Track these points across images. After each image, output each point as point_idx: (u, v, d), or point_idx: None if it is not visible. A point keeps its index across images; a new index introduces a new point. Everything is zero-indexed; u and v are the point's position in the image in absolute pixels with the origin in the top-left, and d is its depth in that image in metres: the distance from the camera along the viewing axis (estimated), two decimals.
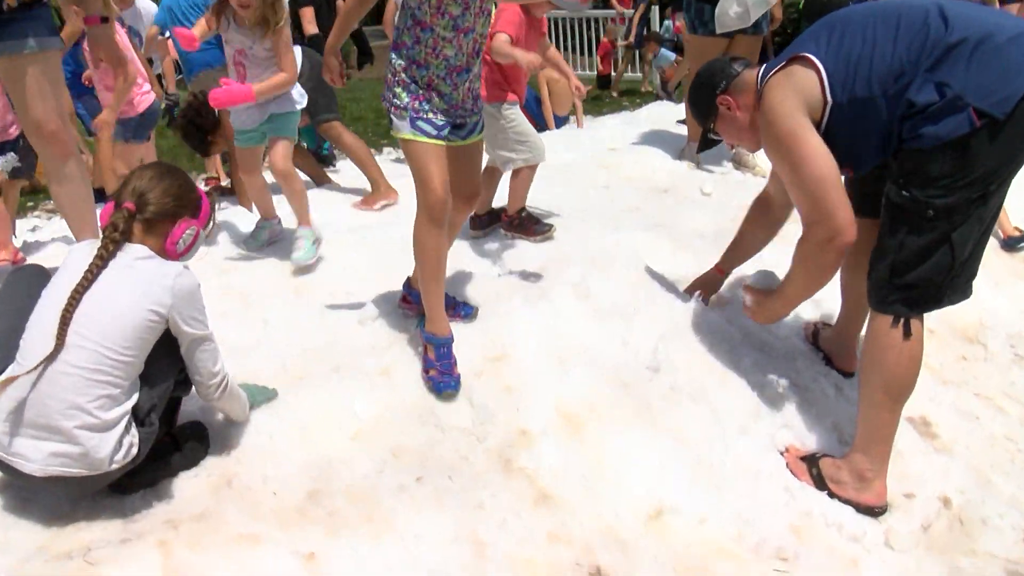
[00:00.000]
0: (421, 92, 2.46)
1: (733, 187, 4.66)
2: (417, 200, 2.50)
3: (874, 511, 2.33)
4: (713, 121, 2.64)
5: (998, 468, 2.62)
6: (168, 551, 1.88)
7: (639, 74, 12.49)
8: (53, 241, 4.26)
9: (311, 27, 5.86)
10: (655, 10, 12.83)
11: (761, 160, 4.82)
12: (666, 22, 12.20)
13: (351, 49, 7.54)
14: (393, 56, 2.50)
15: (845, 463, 2.39)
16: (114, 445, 1.95)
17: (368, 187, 4.64)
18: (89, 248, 2.08)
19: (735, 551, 2.16)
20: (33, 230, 5.32)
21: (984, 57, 2.05)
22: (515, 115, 3.60)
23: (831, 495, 2.36)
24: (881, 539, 2.26)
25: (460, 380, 2.57)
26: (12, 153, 4.18)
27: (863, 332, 2.61)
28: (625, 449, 2.38)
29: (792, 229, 3.39)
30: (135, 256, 2.06)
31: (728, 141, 2.73)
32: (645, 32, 12.05)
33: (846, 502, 2.34)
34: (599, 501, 2.23)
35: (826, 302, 3.13)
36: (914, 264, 2.20)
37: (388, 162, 5.47)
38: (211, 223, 2.29)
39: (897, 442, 2.37)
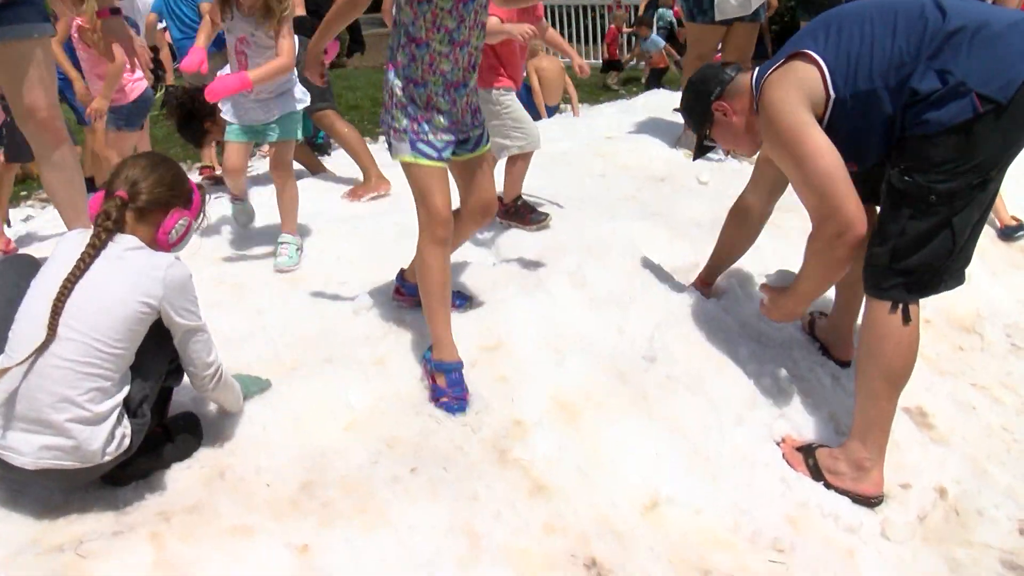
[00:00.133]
0: (420, 113, 2.42)
1: (730, 175, 4.64)
2: (419, 221, 2.46)
3: (871, 501, 2.32)
4: (709, 128, 2.63)
5: (994, 458, 2.61)
6: (160, 543, 1.87)
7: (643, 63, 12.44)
8: (46, 230, 4.24)
9: (299, 8, 5.83)
10: None
11: (761, 148, 4.80)
12: (660, 10, 12.12)
13: (343, 37, 7.49)
14: (390, 76, 2.45)
15: (842, 453, 2.38)
16: (106, 437, 1.94)
17: (359, 176, 4.62)
18: (80, 237, 2.06)
19: (731, 541, 2.16)
20: (26, 219, 5.30)
21: (983, 44, 2.06)
22: (510, 101, 3.57)
23: (827, 486, 2.36)
24: (877, 530, 2.25)
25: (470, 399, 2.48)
26: None
27: (859, 321, 2.61)
28: (621, 439, 2.37)
29: (793, 223, 3.40)
30: (126, 247, 2.04)
31: (725, 147, 2.73)
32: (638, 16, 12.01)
33: (843, 493, 2.33)
34: (595, 491, 2.22)
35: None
36: (915, 249, 2.20)
37: (382, 151, 5.43)
38: (202, 215, 2.28)
39: (893, 433, 2.37)
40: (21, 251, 3.69)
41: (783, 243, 3.40)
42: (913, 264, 2.21)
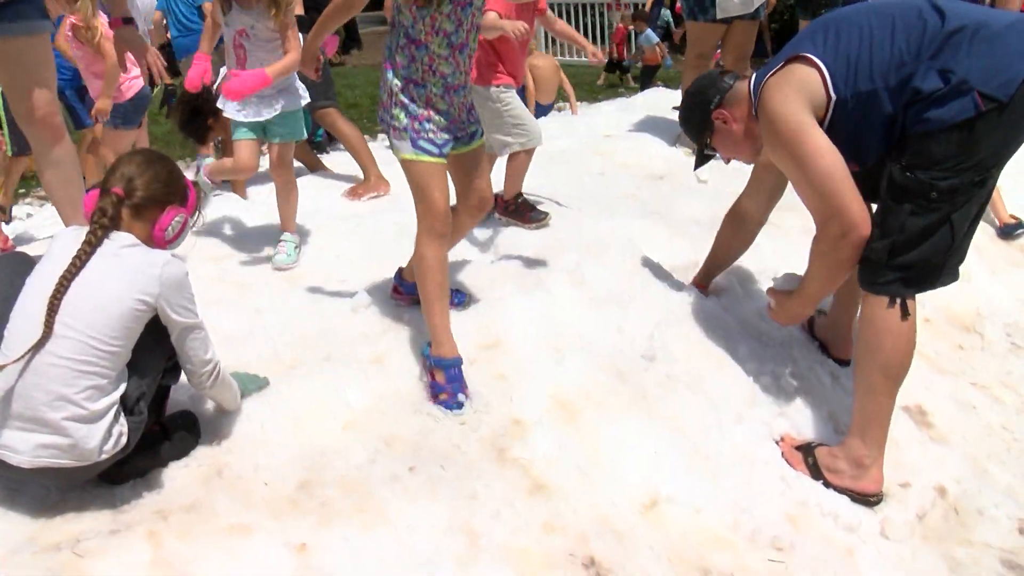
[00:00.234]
0: (420, 111, 2.42)
1: (729, 174, 4.59)
2: (418, 217, 2.47)
3: (871, 499, 2.32)
4: (709, 137, 2.64)
5: (994, 457, 2.61)
6: (158, 542, 1.87)
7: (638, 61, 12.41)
8: (44, 228, 4.23)
9: (298, 7, 5.82)
10: None
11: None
12: (661, 9, 12.11)
13: (339, 33, 7.48)
14: (389, 75, 2.45)
15: (841, 451, 2.38)
16: (103, 435, 1.93)
17: (359, 174, 4.61)
18: (75, 234, 2.05)
19: (731, 540, 2.15)
20: (25, 217, 5.29)
21: (983, 43, 2.09)
22: (510, 98, 3.56)
23: (827, 484, 2.36)
24: (877, 529, 2.25)
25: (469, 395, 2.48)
26: None
27: (857, 319, 2.60)
28: (620, 438, 2.37)
29: (793, 223, 3.40)
30: (122, 244, 2.03)
31: (725, 155, 2.73)
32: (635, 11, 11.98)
33: (842, 491, 2.33)
34: (594, 491, 2.22)
35: None
36: (915, 244, 2.20)
37: (382, 149, 5.43)
38: (198, 213, 2.27)
39: (893, 432, 2.36)
40: (19, 249, 3.68)
41: (783, 242, 3.40)
42: (912, 259, 2.22)
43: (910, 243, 2.21)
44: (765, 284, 3.02)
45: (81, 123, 5.46)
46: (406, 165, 2.46)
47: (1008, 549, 2.24)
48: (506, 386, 2.51)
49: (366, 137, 5.04)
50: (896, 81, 2.16)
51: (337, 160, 5.34)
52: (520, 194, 3.76)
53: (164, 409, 2.27)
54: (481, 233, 3.71)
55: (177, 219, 2.15)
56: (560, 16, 13.19)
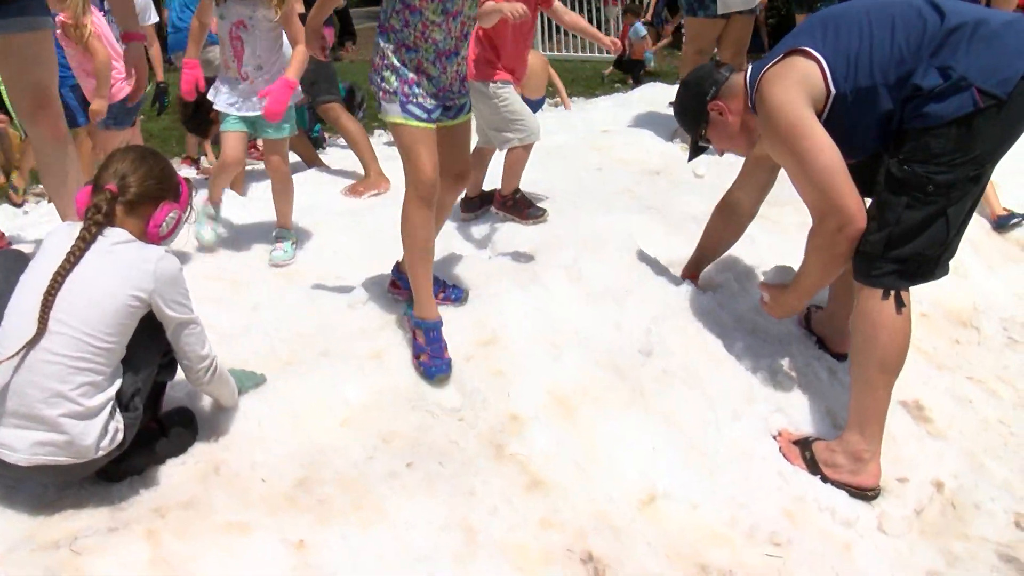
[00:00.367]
0: (411, 75, 2.45)
1: (726, 169, 4.60)
2: (406, 182, 2.50)
3: (868, 493, 2.33)
4: (704, 128, 2.64)
5: (991, 452, 2.61)
6: (156, 540, 1.87)
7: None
8: (40, 225, 4.22)
9: (298, 5, 5.80)
10: None
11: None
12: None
13: (333, 22, 7.45)
14: (381, 40, 2.48)
15: (839, 445, 2.38)
16: (99, 432, 1.93)
17: (357, 169, 4.60)
18: (69, 231, 2.05)
19: (728, 536, 2.16)
20: (22, 214, 5.27)
21: (982, 40, 2.11)
22: (507, 94, 3.55)
23: (824, 479, 2.36)
24: (874, 524, 2.25)
25: (451, 364, 2.55)
26: None
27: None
28: (618, 433, 2.37)
29: (790, 219, 3.40)
30: (115, 240, 2.03)
31: (719, 147, 2.73)
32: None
33: (840, 486, 2.33)
34: (592, 486, 2.22)
35: None
36: (911, 237, 2.22)
37: (380, 145, 5.43)
38: (190, 208, 2.27)
39: (891, 426, 2.37)
40: (14, 246, 3.67)
41: (779, 238, 3.40)
42: (907, 252, 2.23)
43: (906, 236, 2.22)
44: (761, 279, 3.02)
45: (74, 121, 5.44)
46: (394, 129, 2.49)
47: (1005, 543, 2.24)
48: (503, 382, 2.51)
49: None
50: (896, 78, 2.18)
51: (335, 155, 5.34)
52: (518, 190, 3.75)
53: (160, 406, 2.27)
54: (478, 229, 3.71)
55: (171, 215, 2.16)
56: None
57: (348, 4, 5.01)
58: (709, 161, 4.76)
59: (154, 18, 5.41)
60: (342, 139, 5.74)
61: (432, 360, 2.54)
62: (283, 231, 3.50)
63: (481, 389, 2.49)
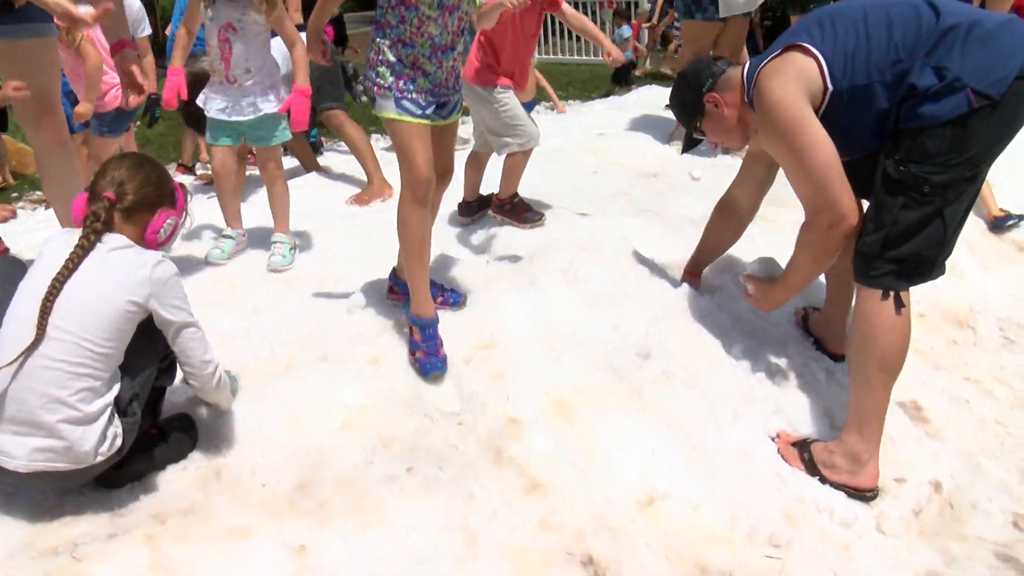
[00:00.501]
0: (406, 72, 2.46)
1: (722, 171, 4.64)
2: (401, 179, 2.51)
3: (867, 494, 2.33)
4: (700, 120, 2.65)
5: (988, 452, 2.62)
6: (156, 545, 1.87)
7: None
8: (38, 231, 4.22)
9: (297, 15, 5.81)
10: None
11: (750, 144, 4.82)
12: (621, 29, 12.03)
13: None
14: (377, 36, 2.48)
15: (838, 446, 2.39)
16: (98, 437, 1.93)
17: (356, 174, 4.60)
18: (67, 237, 2.05)
19: (728, 537, 2.16)
20: (21, 220, 5.26)
21: (976, 41, 2.12)
22: (507, 99, 3.55)
23: (823, 480, 2.36)
24: (872, 524, 2.26)
25: (447, 361, 2.57)
26: None
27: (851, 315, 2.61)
28: (617, 435, 2.37)
29: (787, 218, 3.41)
30: (112, 246, 2.03)
31: (713, 140, 2.73)
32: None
33: (838, 487, 2.34)
34: (591, 488, 2.22)
35: (814, 287, 3.12)
36: (908, 237, 2.23)
37: (379, 150, 5.43)
38: (186, 214, 2.28)
39: (888, 427, 2.37)
40: (12, 252, 3.67)
41: (776, 237, 3.41)
42: (905, 252, 2.24)
43: (903, 236, 2.23)
44: None
45: (70, 128, 5.44)
46: (389, 124, 2.50)
47: (1002, 543, 2.25)
48: (502, 385, 2.51)
49: None
50: (892, 76, 2.19)
51: (333, 160, 5.34)
52: (516, 194, 3.76)
53: (160, 412, 2.27)
54: (476, 233, 3.71)
55: (169, 221, 2.17)
56: (550, 16, 13.14)
57: (341, 9, 5.01)
58: (705, 163, 4.78)
59: (147, 30, 5.42)
60: (340, 144, 5.75)
61: (427, 357, 2.56)
62: (281, 236, 3.50)
63: (480, 392, 2.49)
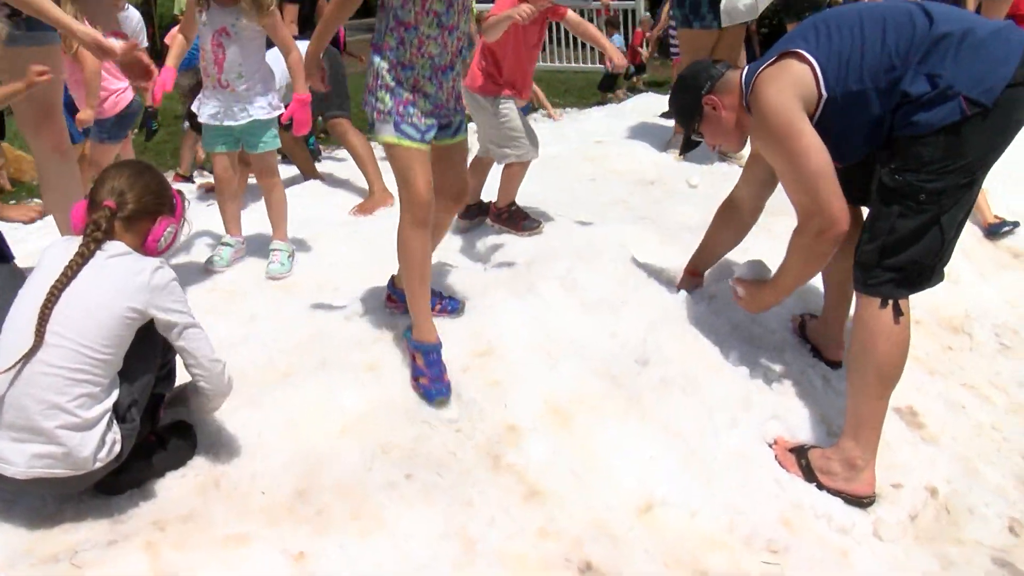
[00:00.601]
0: (406, 95, 2.44)
1: (719, 179, 4.66)
2: (401, 202, 2.49)
3: (863, 501, 2.34)
4: (698, 122, 2.67)
5: (984, 457, 2.63)
6: (155, 552, 1.87)
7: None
8: (35, 239, 4.22)
9: (292, 27, 5.82)
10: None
11: (747, 152, 4.83)
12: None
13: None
14: (376, 59, 2.47)
15: (834, 453, 2.39)
16: (97, 443, 1.93)
17: (357, 181, 4.61)
18: (66, 245, 2.06)
19: (726, 543, 2.16)
20: (19, 227, 5.26)
21: (969, 49, 2.14)
22: (508, 111, 3.57)
23: (820, 486, 2.37)
24: (870, 530, 2.27)
25: (451, 387, 2.53)
26: None
27: (850, 322, 2.62)
28: (615, 442, 2.38)
29: (784, 225, 3.41)
30: (111, 253, 2.04)
31: (711, 142, 2.75)
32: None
33: (835, 493, 2.34)
34: (589, 495, 2.23)
35: (812, 294, 3.14)
36: (905, 246, 2.24)
37: (380, 160, 5.45)
38: (184, 221, 2.29)
39: (885, 433, 2.38)
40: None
41: (775, 243, 3.41)
42: (902, 261, 2.26)
43: (900, 245, 2.24)
44: None
45: (72, 138, 5.45)
46: (388, 149, 2.48)
47: (999, 547, 2.26)
48: (500, 392, 2.52)
49: None
50: (886, 83, 2.21)
51: (331, 167, 5.35)
52: (513, 203, 3.77)
53: (159, 418, 2.27)
54: (474, 241, 3.72)
55: (169, 229, 2.18)
56: (561, 25, 13.14)
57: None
58: (703, 171, 4.80)
59: (145, 43, 5.43)
60: (338, 152, 5.76)
61: (432, 384, 2.50)
62: (279, 243, 3.51)
63: (478, 400, 2.50)
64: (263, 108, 3.38)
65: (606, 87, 10.39)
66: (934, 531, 2.31)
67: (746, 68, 2.53)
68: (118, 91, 4.63)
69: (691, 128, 2.71)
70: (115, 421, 2.00)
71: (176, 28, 3.58)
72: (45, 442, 1.89)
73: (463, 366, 2.61)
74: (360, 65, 9.46)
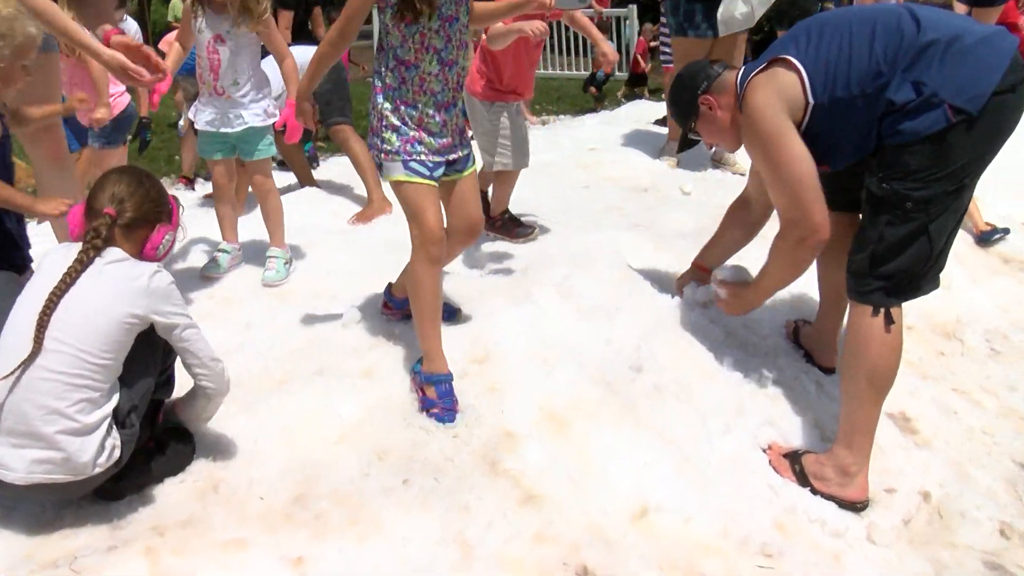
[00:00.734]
0: (412, 133, 2.43)
1: (713, 185, 4.70)
2: (412, 241, 2.47)
3: (856, 506, 2.36)
4: (694, 121, 2.69)
5: (975, 461, 2.65)
6: (155, 558, 1.88)
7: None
8: (34, 246, 4.21)
9: (286, 33, 5.84)
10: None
11: (740, 158, 4.87)
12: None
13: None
14: (379, 99, 2.46)
15: (828, 458, 2.41)
16: (96, 448, 1.94)
17: (354, 189, 4.61)
18: (64, 252, 2.07)
19: (721, 547, 2.18)
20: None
21: (955, 57, 2.15)
22: (503, 120, 3.59)
23: (814, 491, 2.39)
24: (863, 534, 2.28)
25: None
26: None
27: (843, 328, 2.65)
28: (611, 448, 2.39)
29: (770, 228, 3.44)
30: (109, 259, 2.05)
31: (708, 141, 2.78)
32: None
33: (829, 498, 2.36)
34: (585, 500, 2.24)
35: (805, 300, 3.17)
36: (894, 254, 2.26)
37: None
38: (180, 228, 2.30)
39: (878, 438, 2.40)
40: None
41: (767, 246, 3.44)
42: (892, 269, 2.27)
43: (889, 253, 2.26)
44: None
45: (70, 146, 5.44)
46: (397, 188, 2.46)
47: (990, 551, 2.28)
48: (497, 398, 2.54)
49: None
50: (873, 89, 2.23)
51: (328, 175, 5.35)
52: (507, 211, 3.80)
53: (158, 424, 2.28)
54: (471, 248, 3.73)
55: (167, 236, 2.19)
56: (559, 31, 13.23)
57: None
58: (696, 178, 4.82)
59: None
60: (334, 158, 5.76)
61: (445, 413, 2.47)
62: (275, 250, 3.52)
63: (475, 406, 2.51)
64: (258, 115, 3.39)
65: (591, 84, 10.44)
66: (927, 535, 2.33)
67: (742, 69, 2.55)
68: (115, 95, 4.64)
69: (688, 127, 2.73)
70: (115, 426, 2.01)
71: (172, 35, 3.58)
72: (45, 447, 1.90)
73: (460, 372, 2.63)
74: (361, 73, 9.50)
